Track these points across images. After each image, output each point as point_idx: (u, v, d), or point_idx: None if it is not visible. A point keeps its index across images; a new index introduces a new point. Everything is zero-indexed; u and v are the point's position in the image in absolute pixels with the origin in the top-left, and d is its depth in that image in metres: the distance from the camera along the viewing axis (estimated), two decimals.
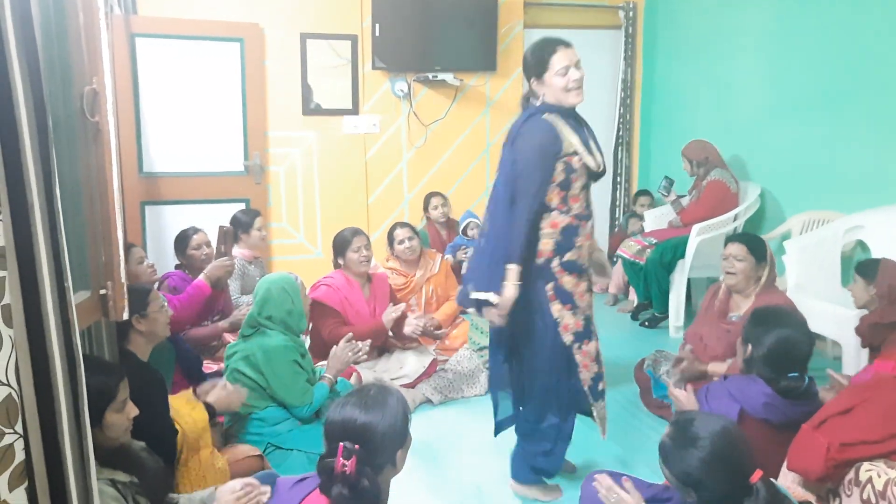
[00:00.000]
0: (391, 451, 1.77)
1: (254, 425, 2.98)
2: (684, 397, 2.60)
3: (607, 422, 2.89)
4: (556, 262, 2.65)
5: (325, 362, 3.28)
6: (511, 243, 2.57)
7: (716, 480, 1.77)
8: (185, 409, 2.53)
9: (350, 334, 3.27)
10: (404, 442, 1.81)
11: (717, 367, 3.19)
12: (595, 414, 2.83)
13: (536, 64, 2.64)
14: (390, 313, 3.78)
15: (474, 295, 2.65)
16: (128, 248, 3.37)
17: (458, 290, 2.84)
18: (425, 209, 5.70)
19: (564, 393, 2.75)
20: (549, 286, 2.66)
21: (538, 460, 2.85)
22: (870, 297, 2.99)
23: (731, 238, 3.44)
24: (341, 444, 1.68)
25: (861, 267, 3.07)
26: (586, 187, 2.70)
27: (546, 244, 2.65)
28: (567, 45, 2.63)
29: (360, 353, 3.21)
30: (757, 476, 1.75)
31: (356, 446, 1.68)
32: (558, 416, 2.78)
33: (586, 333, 2.74)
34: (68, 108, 1.80)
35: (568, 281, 2.67)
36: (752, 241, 3.34)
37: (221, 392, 2.74)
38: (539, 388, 2.76)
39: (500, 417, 2.95)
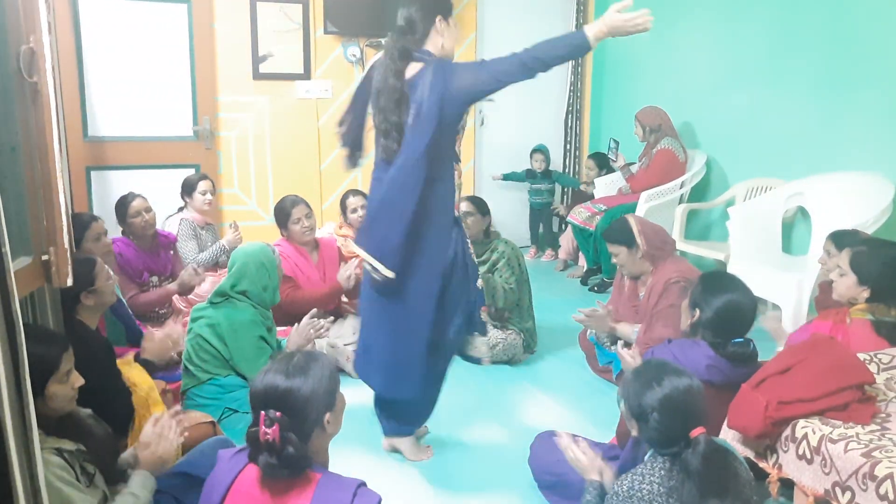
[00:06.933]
0: (317, 415, 1.73)
1: (211, 391, 2.98)
2: (630, 357, 2.67)
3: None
4: None
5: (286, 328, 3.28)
6: None
7: (663, 421, 1.83)
8: (126, 373, 2.51)
9: (314, 310, 3.25)
10: (333, 405, 1.78)
11: (624, 328, 3.36)
12: None
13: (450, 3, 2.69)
14: (344, 272, 3.82)
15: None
16: (89, 221, 3.32)
17: None
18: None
19: None
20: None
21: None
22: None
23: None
24: (262, 412, 1.67)
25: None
26: None
27: None
28: None
29: (322, 330, 3.21)
30: (698, 431, 1.81)
31: (278, 413, 1.67)
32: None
33: None
34: (4, 67, 1.74)
35: None
36: (615, 234, 3.42)
37: (149, 343, 2.77)
38: None
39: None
